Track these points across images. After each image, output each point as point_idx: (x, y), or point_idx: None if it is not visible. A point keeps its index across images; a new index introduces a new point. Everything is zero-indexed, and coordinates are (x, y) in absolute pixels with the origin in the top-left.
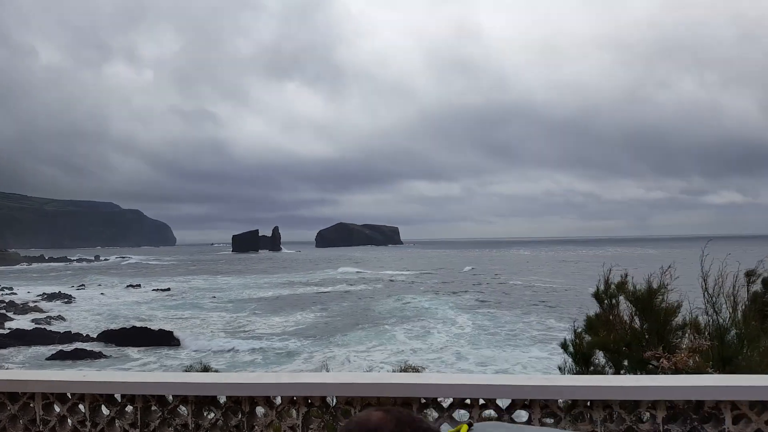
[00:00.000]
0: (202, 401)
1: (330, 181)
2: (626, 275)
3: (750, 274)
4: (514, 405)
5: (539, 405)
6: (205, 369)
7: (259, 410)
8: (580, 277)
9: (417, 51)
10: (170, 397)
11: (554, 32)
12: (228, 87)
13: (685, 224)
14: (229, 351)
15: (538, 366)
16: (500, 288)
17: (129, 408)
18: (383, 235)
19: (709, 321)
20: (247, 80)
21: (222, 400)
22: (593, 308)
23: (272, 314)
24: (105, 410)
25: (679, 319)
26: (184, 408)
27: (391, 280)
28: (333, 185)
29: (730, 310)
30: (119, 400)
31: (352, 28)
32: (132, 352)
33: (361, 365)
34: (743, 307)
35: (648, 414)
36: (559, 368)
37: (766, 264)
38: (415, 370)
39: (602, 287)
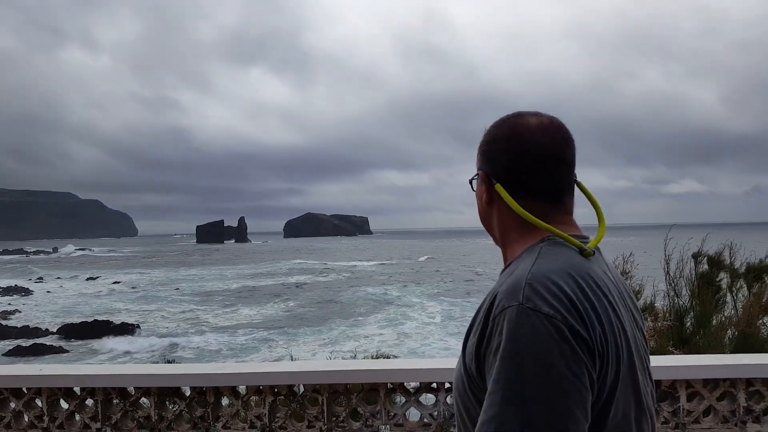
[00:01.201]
0: (166, 393)
1: (298, 171)
2: None
3: (696, 255)
4: None
5: None
6: (168, 361)
7: (225, 401)
8: None
9: (385, 37)
10: (132, 390)
11: (523, 21)
12: (190, 73)
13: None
14: (194, 343)
15: None
16: (465, 276)
17: (89, 401)
18: (353, 226)
19: (669, 303)
20: (210, 66)
21: (186, 391)
22: None
23: (238, 306)
24: (64, 404)
25: (639, 303)
26: (146, 400)
27: (359, 270)
28: (301, 175)
29: (689, 294)
30: (79, 394)
31: (319, 13)
32: (94, 345)
33: (328, 356)
34: (694, 287)
35: None
36: None
37: (713, 246)
38: (384, 357)
39: None
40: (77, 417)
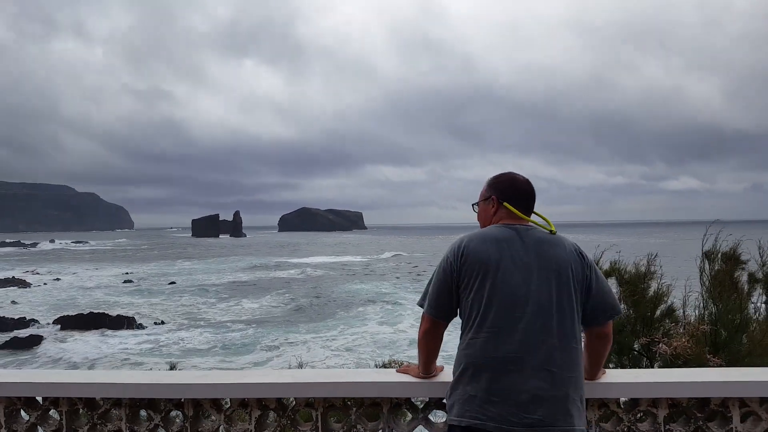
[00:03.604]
0: (139, 404)
1: (292, 165)
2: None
3: (709, 254)
4: None
5: None
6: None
7: (206, 414)
8: None
9: (379, 29)
10: (101, 400)
11: (520, 12)
12: (183, 65)
13: (644, 210)
14: (185, 339)
15: None
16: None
17: (53, 413)
18: (347, 221)
19: (702, 306)
20: (204, 58)
21: (161, 403)
22: None
23: (233, 300)
24: (24, 415)
25: (665, 306)
26: (117, 412)
27: (353, 266)
28: (295, 169)
29: (720, 295)
30: (41, 404)
31: (311, 4)
32: (88, 336)
33: (321, 353)
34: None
35: (646, 413)
36: None
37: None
38: (387, 366)
39: None
40: (40, 430)
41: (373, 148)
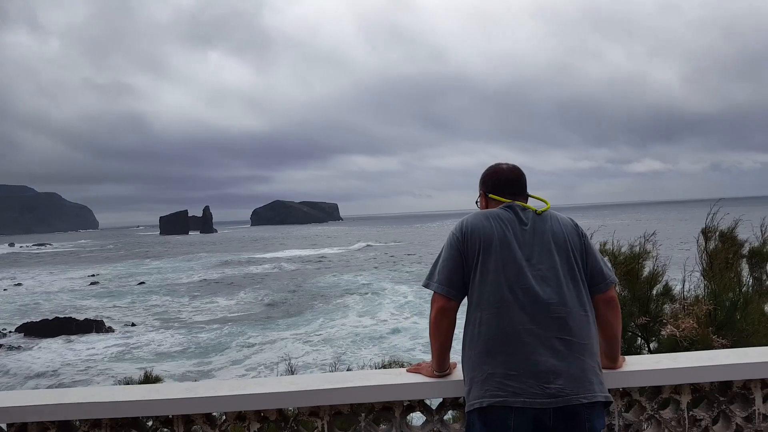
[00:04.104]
0: (121, 424)
1: (263, 157)
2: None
3: (706, 231)
4: None
5: None
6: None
7: (198, 430)
8: None
9: (349, 17)
10: (77, 422)
11: (488, 1)
12: (145, 57)
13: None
14: (157, 341)
15: None
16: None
17: None
18: (322, 212)
19: (705, 285)
20: (166, 49)
21: (148, 421)
22: None
23: (206, 298)
24: None
25: (660, 286)
26: None
27: (330, 258)
28: (267, 161)
29: (720, 273)
30: (5, 430)
31: None
32: (54, 343)
33: (301, 348)
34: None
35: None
36: None
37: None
38: (398, 365)
39: None
40: None
41: (346, 138)
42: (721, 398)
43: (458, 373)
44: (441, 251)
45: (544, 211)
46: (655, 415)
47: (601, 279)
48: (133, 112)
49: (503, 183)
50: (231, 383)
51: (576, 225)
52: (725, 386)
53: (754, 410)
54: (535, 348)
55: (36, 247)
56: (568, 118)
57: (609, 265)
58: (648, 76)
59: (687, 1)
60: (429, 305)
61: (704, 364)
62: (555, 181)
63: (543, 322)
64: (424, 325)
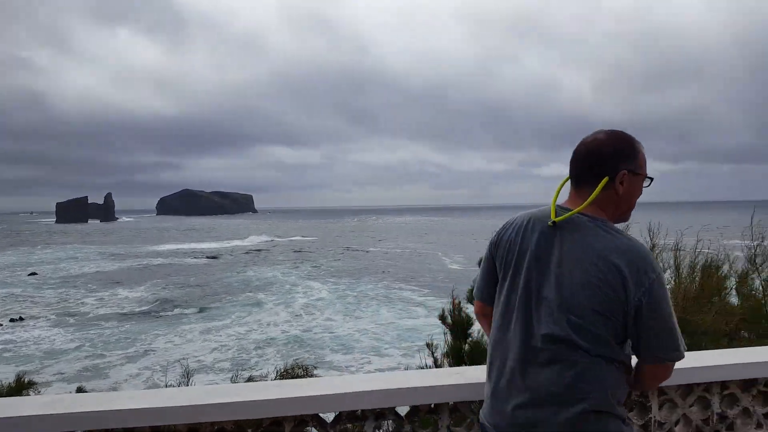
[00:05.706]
0: None
1: (173, 143)
2: None
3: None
4: None
5: None
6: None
7: None
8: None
9: (268, 2)
10: None
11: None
12: (45, 30)
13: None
14: (48, 338)
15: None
16: (360, 256)
17: None
18: (236, 203)
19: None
20: (69, 23)
21: None
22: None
23: (103, 291)
24: None
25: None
26: None
27: (241, 252)
28: (177, 147)
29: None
30: None
31: None
32: None
33: (201, 347)
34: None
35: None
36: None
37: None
38: (305, 372)
39: None
40: None
41: (264, 127)
42: (747, 396)
43: (346, 385)
44: None
45: (591, 221)
46: (686, 413)
47: (652, 348)
48: (30, 88)
49: (572, 162)
50: (98, 396)
51: (639, 259)
52: (751, 383)
53: None
54: (511, 387)
55: None
56: (485, 120)
57: (675, 332)
58: (560, 83)
59: (601, 15)
60: (335, 302)
61: (735, 362)
62: (471, 180)
63: (528, 362)
64: (330, 323)
